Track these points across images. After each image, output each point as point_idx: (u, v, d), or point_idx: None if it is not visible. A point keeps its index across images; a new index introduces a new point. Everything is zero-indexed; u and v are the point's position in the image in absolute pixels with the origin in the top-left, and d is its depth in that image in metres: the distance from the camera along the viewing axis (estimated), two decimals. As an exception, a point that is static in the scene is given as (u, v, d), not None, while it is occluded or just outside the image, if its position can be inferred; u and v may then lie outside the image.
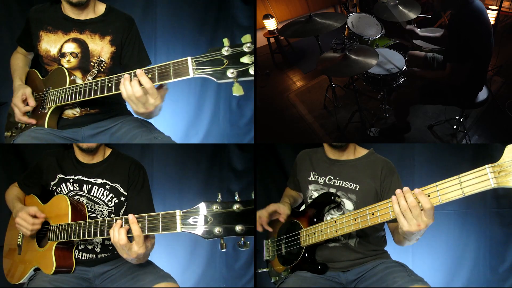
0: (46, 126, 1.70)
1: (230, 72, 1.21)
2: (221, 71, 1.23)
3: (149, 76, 1.34)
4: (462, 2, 1.93)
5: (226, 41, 1.24)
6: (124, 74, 1.40)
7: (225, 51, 1.23)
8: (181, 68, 1.28)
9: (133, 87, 1.35)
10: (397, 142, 2.66)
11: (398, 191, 1.23)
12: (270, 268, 1.81)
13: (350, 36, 2.72)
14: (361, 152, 1.72)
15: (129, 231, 1.32)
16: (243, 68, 1.21)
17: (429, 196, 1.15)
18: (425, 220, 1.18)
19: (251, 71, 1.21)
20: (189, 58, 1.27)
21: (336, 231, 1.47)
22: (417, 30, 2.47)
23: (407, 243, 1.49)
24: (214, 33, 2.84)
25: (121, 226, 1.33)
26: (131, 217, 1.31)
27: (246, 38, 1.22)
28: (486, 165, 1.02)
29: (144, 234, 1.31)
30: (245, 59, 1.21)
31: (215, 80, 1.24)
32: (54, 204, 1.64)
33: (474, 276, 2.75)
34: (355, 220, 1.38)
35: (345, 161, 1.70)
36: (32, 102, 1.74)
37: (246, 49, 1.21)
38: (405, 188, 1.22)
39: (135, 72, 1.37)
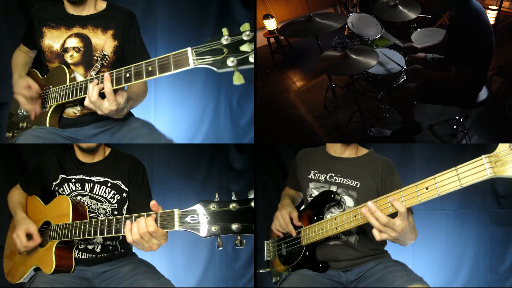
0: (47, 125, 1.71)
1: (230, 61, 1.20)
2: (221, 60, 1.22)
3: (149, 69, 1.36)
4: (460, 3, 1.94)
5: (225, 31, 1.22)
6: (93, 78, 1.49)
7: (224, 40, 1.21)
8: (181, 59, 1.28)
9: (92, 92, 1.45)
10: (398, 142, 2.66)
11: (364, 211, 1.26)
12: (271, 268, 1.81)
13: (350, 36, 2.72)
14: (362, 151, 1.74)
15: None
16: (243, 56, 1.20)
17: (427, 188, 1.15)
18: (399, 225, 1.22)
19: (251, 59, 1.19)
20: (189, 49, 1.27)
21: (336, 228, 1.46)
22: (415, 44, 2.48)
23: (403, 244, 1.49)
24: (214, 33, 2.83)
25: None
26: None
27: (245, 26, 1.21)
28: (483, 155, 1.03)
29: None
30: (244, 47, 1.20)
31: (215, 69, 1.23)
32: (55, 204, 1.65)
33: (474, 276, 2.76)
34: (355, 216, 1.38)
35: (346, 159, 1.71)
36: (35, 86, 1.73)
37: (245, 37, 1.20)
38: (370, 205, 1.25)
39: (103, 75, 1.44)
